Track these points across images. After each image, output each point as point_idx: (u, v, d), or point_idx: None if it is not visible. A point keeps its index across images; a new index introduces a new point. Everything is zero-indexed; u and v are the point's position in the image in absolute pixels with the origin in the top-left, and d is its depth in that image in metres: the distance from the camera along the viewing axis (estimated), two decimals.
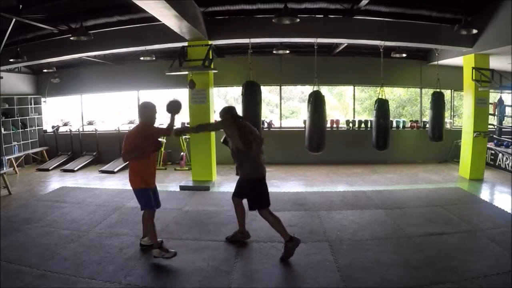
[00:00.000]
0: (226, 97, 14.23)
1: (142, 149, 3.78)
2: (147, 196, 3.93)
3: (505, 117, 9.83)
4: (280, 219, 4.02)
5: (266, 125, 9.81)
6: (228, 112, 4.10)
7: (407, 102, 14.27)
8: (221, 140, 4.23)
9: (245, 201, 4.19)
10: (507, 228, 4.66)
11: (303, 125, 8.58)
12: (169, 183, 7.71)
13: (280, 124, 10.40)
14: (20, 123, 9.79)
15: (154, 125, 4.03)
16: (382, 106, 6.95)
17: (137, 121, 10.35)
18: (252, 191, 4.04)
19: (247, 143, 3.95)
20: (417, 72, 9.94)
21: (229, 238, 4.40)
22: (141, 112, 3.95)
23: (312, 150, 6.56)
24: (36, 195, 6.80)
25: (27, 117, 10.01)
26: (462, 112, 10.08)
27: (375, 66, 7.87)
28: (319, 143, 6.47)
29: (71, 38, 5.91)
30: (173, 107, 4.16)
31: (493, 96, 9.37)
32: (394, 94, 14.01)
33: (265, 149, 4.25)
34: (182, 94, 9.78)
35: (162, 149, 9.37)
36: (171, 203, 5.95)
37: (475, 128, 7.64)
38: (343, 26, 7.07)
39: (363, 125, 9.88)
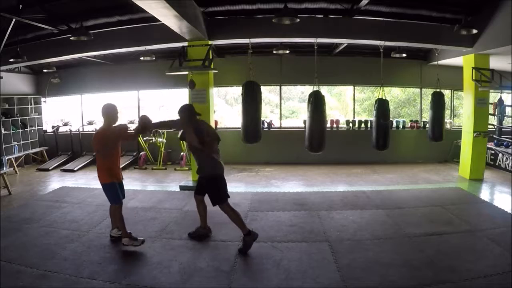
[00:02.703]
0: (226, 97, 14.23)
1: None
2: (115, 190, 4.18)
3: (505, 117, 9.83)
4: (239, 214, 4.20)
5: (266, 125, 9.81)
6: (185, 111, 4.26)
7: (405, 103, 14.23)
8: (178, 136, 4.48)
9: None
10: (507, 228, 4.66)
11: (303, 125, 8.58)
12: (169, 183, 7.71)
13: (280, 124, 10.40)
14: (20, 123, 9.80)
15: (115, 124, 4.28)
16: (382, 106, 6.95)
17: (136, 121, 10.42)
18: (212, 188, 4.22)
19: (202, 141, 4.11)
20: (417, 72, 9.94)
21: (192, 233, 4.53)
22: (105, 113, 4.18)
23: (312, 150, 6.56)
24: (36, 195, 6.80)
25: (27, 117, 10.02)
26: (460, 113, 10.10)
27: (375, 66, 7.87)
28: (319, 143, 6.47)
29: (71, 38, 5.91)
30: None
31: (493, 96, 9.37)
32: (392, 95, 13.95)
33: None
34: (182, 94, 9.81)
35: (162, 149, 9.41)
36: (171, 203, 5.95)
37: (475, 128, 7.64)
38: (343, 26, 7.06)
39: (363, 125, 9.88)
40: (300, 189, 7.03)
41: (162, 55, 9.30)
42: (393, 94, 13.99)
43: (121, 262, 3.91)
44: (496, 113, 9.33)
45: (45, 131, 10.75)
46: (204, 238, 4.48)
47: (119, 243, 4.30)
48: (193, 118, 4.26)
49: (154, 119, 4.43)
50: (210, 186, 4.24)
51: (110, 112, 4.19)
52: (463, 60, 7.89)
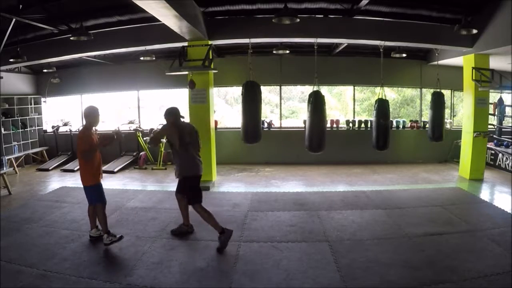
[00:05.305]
0: (226, 97, 14.20)
1: (105, 143, 4.37)
2: (100, 191, 4.34)
3: (505, 117, 9.82)
4: (211, 214, 4.29)
5: (266, 125, 9.81)
6: (171, 114, 4.40)
7: (403, 104, 14.17)
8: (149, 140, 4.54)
9: None
10: (507, 228, 4.66)
11: (303, 125, 8.58)
12: (169, 183, 7.69)
13: (280, 124, 10.40)
14: (20, 123, 9.79)
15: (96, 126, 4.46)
16: (382, 106, 6.95)
17: (136, 121, 10.42)
18: (189, 187, 4.37)
19: (184, 144, 4.27)
20: (417, 72, 9.94)
21: (174, 231, 4.65)
22: (87, 115, 4.34)
23: (312, 150, 6.56)
24: (36, 195, 6.80)
25: (27, 117, 10.01)
26: (460, 111, 10.08)
27: (375, 66, 7.87)
28: (319, 143, 6.47)
29: (71, 38, 5.91)
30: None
31: (493, 96, 9.37)
32: (389, 97, 13.80)
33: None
34: (182, 94, 9.81)
35: (162, 149, 9.40)
36: (171, 203, 5.91)
37: (475, 128, 7.64)
38: (343, 26, 7.06)
39: (363, 125, 9.88)
40: (300, 189, 7.03)
41: (162, 55, 9.30)
42: (390, 96, 13.90)
43: (121, 262, 3.91)
44: (496, 113, 9.33)
45: (45, 131, 10.75)
46: (185, 235, 4.58)
47: (118, 243, 4.29)
48: (178, 121, 4.42)
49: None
50: (187, 186, 4.35)
51: (91, 115, 4.31)
52: (463, 60, 7.89)
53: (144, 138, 9.47)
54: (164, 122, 4.49)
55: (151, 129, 9.47)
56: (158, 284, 3.45)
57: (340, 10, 6.81)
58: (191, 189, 4.36)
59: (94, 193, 4.30)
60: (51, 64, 9.31)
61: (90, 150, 4.18)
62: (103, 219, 4.31)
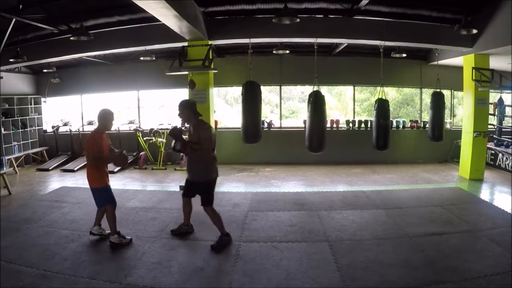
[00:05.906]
0: (226, 97, 14.21)
1: (112, 160, 4.32)
2: (110, 193, 4.31)
3: (505, 117, 9.82)
4: (220, 215, 4.28)
5: (266, 125, 9.81)
6: (193, 107, 4.16)
7: (403, 103, 14.18)
8: (173, 147, 4.16)
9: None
10: (507, 228, 4.66)
11: (303, 125, 8.58)
12: (169, 183, 7.70)
13: (280, 124, 10.40)
14: (20, 123, 9.79)
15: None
16: (382, 106, 6.95)
17: (136, 121, 10.42)
18: (208, 190, 4.28)
19: (214, 145, 4.24)
20: (417, 72, 9.94)
21: (174, 230, 4.63)
22: (101, 118, 4.25)
23: (312, 150, 6.56)
24: (36, 195, 6.79)
25: (27, 117, 10.01)
26: (459, 111, 10.08)
27: (375, 66, 7.87)
28: (319, 143, 6.47)
29: (71, 38, 5.92)
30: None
31: (493, 96, 9.37)
32: (389, 97, 13.82)
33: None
34: (182, 94, 9.81)
35: (162, 149, 9.40)
36: (171, 203, 5.94)
37: (475, 128, 7.64)
38: (343, 26, 7.06)
39: (363, 125, 9.88)
40: (300, 189, 7.03)
41: (162, 55, 9.31)
42: (389, 96, 13.89)
43: (121, 262, 3.91)
44: (496, 113, 9.33)
45: (45, 131, 10.74)
46: (185, 235, 4.58)
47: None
48: (198, 117, 4.24)
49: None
50: (206, 189, 4.26)
51: (106, 118, 4.24)
52: (463, 60, 7.89)
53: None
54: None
55: (151, 129, 9.49)
56: (158, 284, 3.45)
57: (340, 10, 6.81)
58: (211, 192, 4.29)
59: (103, 195, 4.26)
60: (51, 64, 9.31)
61: (98, 157, 4.11)
62: (112, 220, 4.28)
